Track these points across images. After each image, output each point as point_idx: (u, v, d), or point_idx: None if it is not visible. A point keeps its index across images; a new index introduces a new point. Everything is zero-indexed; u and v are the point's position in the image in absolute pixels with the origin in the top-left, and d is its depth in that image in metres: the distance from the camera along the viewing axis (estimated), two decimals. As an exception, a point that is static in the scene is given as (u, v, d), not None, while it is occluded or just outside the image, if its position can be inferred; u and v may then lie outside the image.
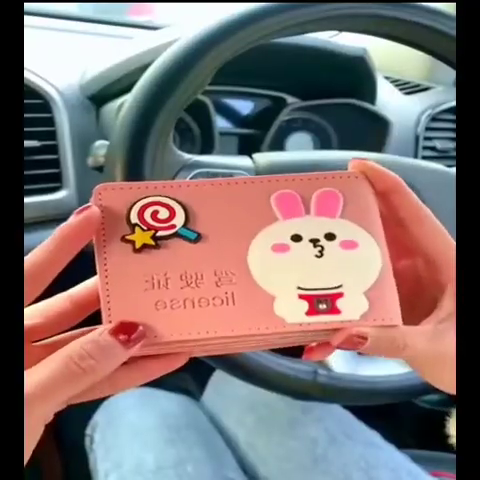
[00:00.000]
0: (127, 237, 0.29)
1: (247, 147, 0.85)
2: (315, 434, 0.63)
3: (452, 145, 0.88)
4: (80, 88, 0.74)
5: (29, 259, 0.27)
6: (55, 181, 0.68)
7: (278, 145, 0.86)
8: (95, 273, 0.29)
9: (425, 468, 0.61)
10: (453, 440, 0.37)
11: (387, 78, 1.01)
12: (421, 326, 0.30)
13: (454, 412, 0.37)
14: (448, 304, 0.30)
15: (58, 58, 0.78)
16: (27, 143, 0.64)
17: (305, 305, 0.29)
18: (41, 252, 0.27)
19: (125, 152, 0.48)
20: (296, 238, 0.30)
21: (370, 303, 0.29)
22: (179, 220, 0.30)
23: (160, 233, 0.30)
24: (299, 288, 0.29)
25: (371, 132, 0.83)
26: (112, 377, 0.25)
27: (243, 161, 0.55)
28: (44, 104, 0.68)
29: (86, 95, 0.74)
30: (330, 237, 0.30)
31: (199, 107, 0.75)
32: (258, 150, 0.82)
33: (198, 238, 0.30)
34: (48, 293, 0.30)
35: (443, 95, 0.94)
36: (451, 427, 0.38)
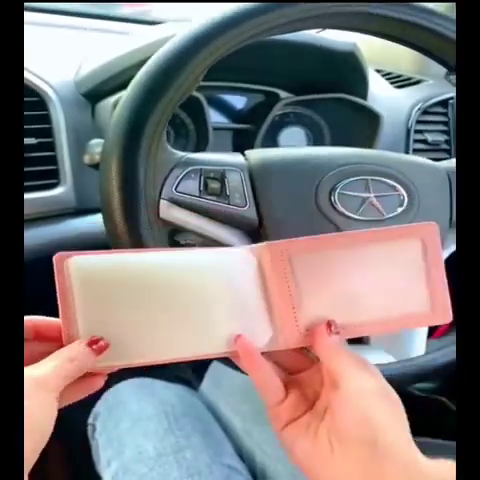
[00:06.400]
0: None
1: (241, 141, 0.86)
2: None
3: (443, 138, 0.90)
4: (75, 85, 0.75)
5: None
6: (52, 178, 0.69)
7: (271, 139, 0.87)
8: None
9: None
10: None
11: (379, 71, 1.02)
12: None
13: None
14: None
15: (52, 54, 0.78)
16: (24, 141, 0.65)
17: None
18: None
19: (120, 150, 0.48)
20: None
21: None
22: None
23: None
24: None
25: (363, 126, 0.84)
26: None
27: (235, 158, 0.56)
28: (40, 102, 0.69)
29: (81, 92, 0.75)
30: None
31: (193, 103, 0.76)
32: (252, 144, 0.83)
33: None
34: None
35: (434, 88, 0.95)
36: None
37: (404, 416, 0.35)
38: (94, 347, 0.35)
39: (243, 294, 0.38)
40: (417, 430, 0.82)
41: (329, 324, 0.37)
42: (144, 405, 0.66)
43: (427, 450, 0.68)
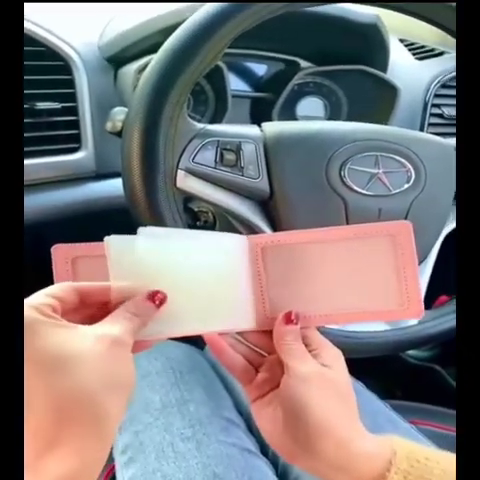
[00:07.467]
0: None
1: (259, 110, 0.87)
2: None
3: (460, 112, 0.89)
4: (99, 49, 0.75)
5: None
6: (74, 142, 0.71)
7: (289, 109, 0.88)
8: None
9: (404, 417, 0.65)
10: None
11: (402, 41, 1.01)
12: None
13: None
14: None
15: (77, 18, 0.78)
16: (48, 105, 0.67)
17: None
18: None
19: (143, 119, 0.50)
20: None
21: None
22: None
23: None
24: None
25: (381, 98, 0.85)
26: None
27: (251, 130, 0.58)
28: (64, 66, 0.70)
29: (105, 56, 0.75)
30: None
31: (213, 71, 0.76)
32: (270, 113, 0.84)
33: None
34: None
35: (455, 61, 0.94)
36: None
37: (343, 398, 0.38)
38: (155, 300, 0.36)
39: (225, 282, 0.41)
40: (411, 396, 0.86)
41: (287, 314, 0.41)
42: (153, 361, 0.69)
43: (412, 413, 0.72)
